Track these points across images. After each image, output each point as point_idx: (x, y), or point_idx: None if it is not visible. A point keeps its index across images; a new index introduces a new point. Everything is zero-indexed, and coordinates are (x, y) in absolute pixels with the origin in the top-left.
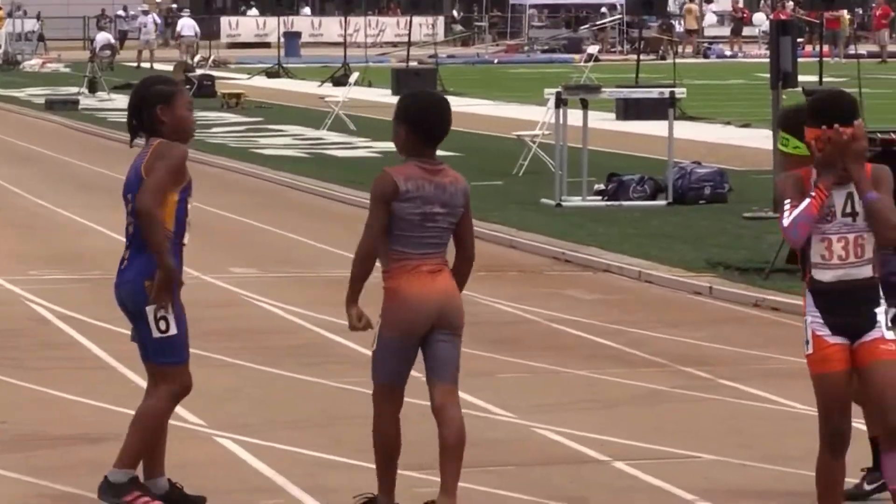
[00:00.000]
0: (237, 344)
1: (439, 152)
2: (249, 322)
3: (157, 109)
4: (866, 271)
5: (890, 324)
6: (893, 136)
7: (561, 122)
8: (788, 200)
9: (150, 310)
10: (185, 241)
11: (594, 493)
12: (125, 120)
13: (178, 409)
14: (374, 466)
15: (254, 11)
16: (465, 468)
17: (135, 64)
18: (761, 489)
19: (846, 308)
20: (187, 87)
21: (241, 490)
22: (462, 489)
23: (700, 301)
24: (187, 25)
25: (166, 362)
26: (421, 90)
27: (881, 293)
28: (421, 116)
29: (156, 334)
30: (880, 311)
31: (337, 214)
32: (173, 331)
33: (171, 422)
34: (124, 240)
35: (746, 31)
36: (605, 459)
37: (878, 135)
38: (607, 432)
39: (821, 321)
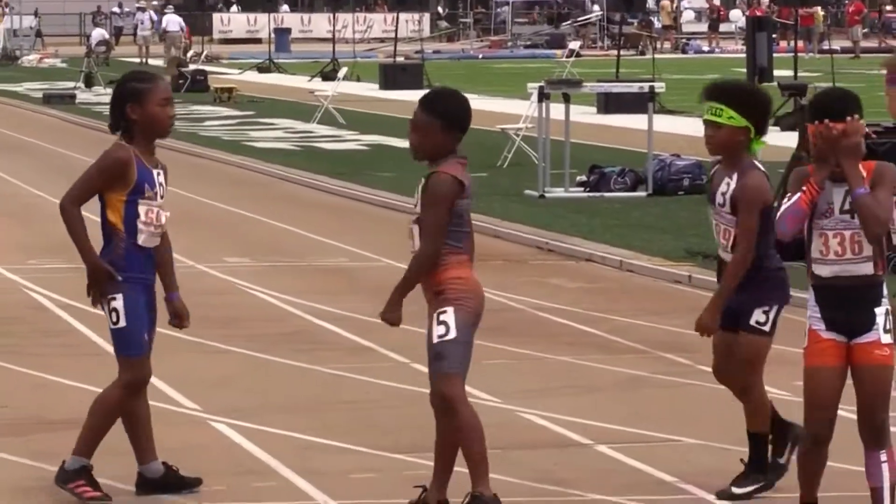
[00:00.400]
0: (231, 331)
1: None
2: (242, 310)
3: (127, 107)
4: (865, 268)
5: (889, 325)
6: (867, 129)
7: (544, 115)
8: (790, 194)
9: (105, 300)
10: (140, 241)
11: (577, 475)
12: None
13: (174, 395)
14: (365, 450)
15: (234, 8)
16: None
17: (137, 59)
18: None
19: (844, 304)
20: (180, 81)
21: (234, 472)
22: None
23: (680, 289)
24: (172, 21)
25: (121, 353)
26: (442, 88)
27: (885, 293)
28: (463, 115)
29: (110, 325)
30: (880, 312)
31: (326, 205)
32: (123, 323)
33: (167, 406)
34: None
35: (723, 27)
36: (588, 443)
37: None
38: (590, 416)
39: (818, 315)
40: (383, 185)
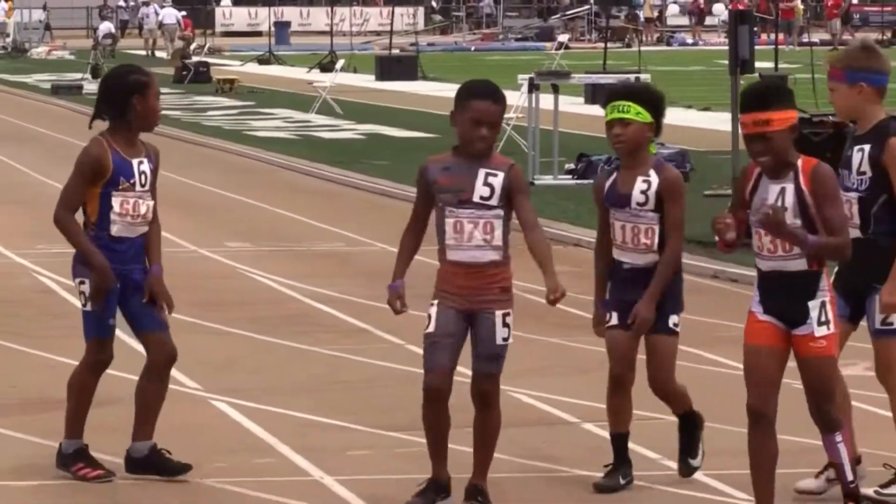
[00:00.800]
0: (232, 314)
1: (421, 133)
2: (243, 293)
3: (133, 99)
4: (799, 264)
5: (824, 318)
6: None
7: (533, 105)
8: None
9: (76, 283)
10: (113, 232)
11: (565, 452)
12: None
13: (176, 374)
14: (362, 428)
15: (227, 2)
16: None
17: (143, 52)
18: (720, 448)
19: (780, 295)
20: (184, 73)
21: (235, 450)
22: None
23: None
24: (169, 14)
25: (86, 335)
26: (481, 80)
27: (820, 286)
28: None
29: (80, 307)
30: (813, 306)
31: (324, 192)
32: (89, 307)
33: (169, 386)
34: None
35: (707, 20)
36: (576, 421)
37: (830, 118)
38: (578, 395)
39: (758, 299)
40: (379, 172)
